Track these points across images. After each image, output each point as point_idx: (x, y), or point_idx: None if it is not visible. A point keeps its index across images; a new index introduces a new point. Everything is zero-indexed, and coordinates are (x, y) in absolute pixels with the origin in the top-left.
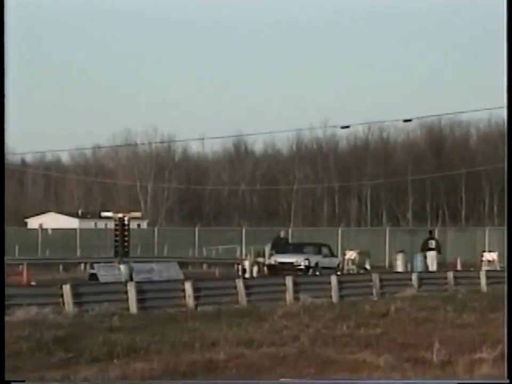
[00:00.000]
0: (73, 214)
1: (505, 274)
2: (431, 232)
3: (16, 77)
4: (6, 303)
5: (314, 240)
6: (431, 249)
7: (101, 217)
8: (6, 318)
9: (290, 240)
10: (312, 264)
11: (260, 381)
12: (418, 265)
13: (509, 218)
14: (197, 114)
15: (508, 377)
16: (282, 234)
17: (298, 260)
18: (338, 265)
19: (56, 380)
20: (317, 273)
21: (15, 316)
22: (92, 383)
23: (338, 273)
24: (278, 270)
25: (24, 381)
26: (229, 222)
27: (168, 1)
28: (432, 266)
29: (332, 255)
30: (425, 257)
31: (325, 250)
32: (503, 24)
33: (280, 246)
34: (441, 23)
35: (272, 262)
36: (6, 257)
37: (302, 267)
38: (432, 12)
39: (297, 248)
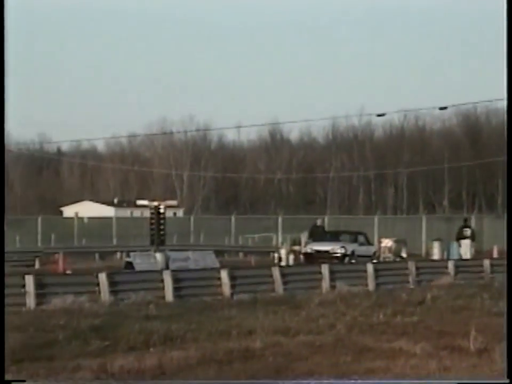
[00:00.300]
0: (109, 203)
1: (505, 275)
2: (466, 220)
3: (53, 66)
4: (42, 291)
5: (350, 228)
6: (466, 237)
7: (136, 206)
8: (43, 307)
9: (326, 228)
10: (349, 252)
11: (259, 380)
12: (455, 253)
13: (508, 219)
14: (233, 103)
15: (508, 377)
16: (319, 222)
17: (335, 248)
18: (375, 253)
19: (92, 369)
20: (353, 261)
21: (52, 304)
22: (92, 383)
23: (374, 261)
24: (314, 258)
25: (24, 381)
26: (265, 210)
27: None
28: (466, 254)
29: (368, 243)
30: (459, 245)
31: (361, 238)
32: None
33: (317, 234)
34: (472, 12)
35: (308, 250)
36: (42, 246)
37: (338, 255)
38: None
39: (334, 236)
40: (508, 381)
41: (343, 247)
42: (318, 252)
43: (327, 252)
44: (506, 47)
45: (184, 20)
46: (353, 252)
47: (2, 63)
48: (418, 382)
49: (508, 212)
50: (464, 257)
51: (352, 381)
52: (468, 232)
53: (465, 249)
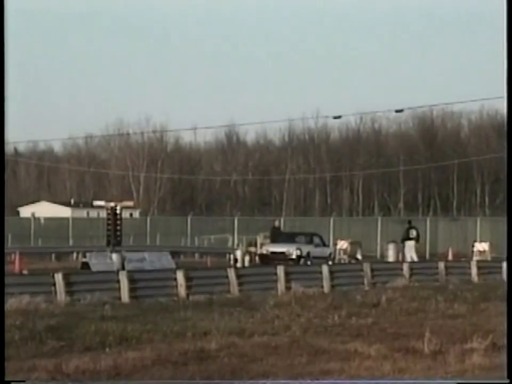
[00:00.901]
0: (65, 203)
1: (505, 275)
2: (410, 221)
3: (9, 66)
4: None
5: (306, 230)
6: (411, 239)
7: (93, 207)
8: None
9: (282, 230)
10: (304, 254)
11: (259, 381)
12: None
13: (508, 217)
14: (190, 105)
15: (508, 377)
16: (277, 223)
17: (290, 249)
18: (330, 255)
19: (48, 370)
20: (308, 262)
21: (8, 304)
22: (93, 383)
23: (330, 263)
24: (269, 260)
25: (24, 381)
26: (221, 211)
27: None
28: (412, 256)
29: (324, 244)
30: (404, 246)
31: (316, 240)
32: (495, 15)
33: (276, 236)
34: (433, 14)
35: (264, 252)
36: None
37: (294, 257)
38: (424, 2)
39: (289, 238)
40: (507, 381)
41: (298, 248)
42: (274, 253)
43: (282, 253)
44: (506, 47)
45: (139, 24)
46: (308, 254)
47: (2, 63)
48: (419, 382)
49: (508, 211)
50: (408, 259)
51: (353, 381)
52: (413, 233)
53: (410, 250)
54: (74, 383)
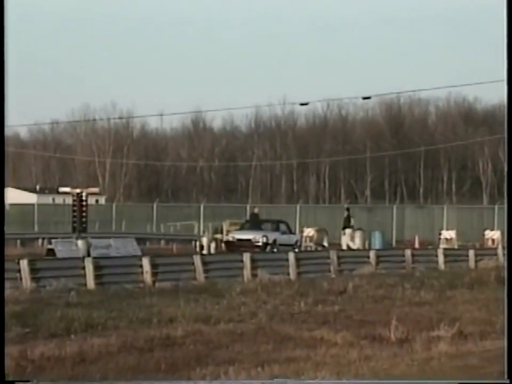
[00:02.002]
0: (31, 189)
1: (505, 275)
2: (348, 209)
3: None
4: None
5: (272, 217)
6: (351, 226)
7: (59, 193)
8: None
9: (247, 218)
10: (270, 241)
11: (259, 381)
12: (377, 243)
13: (508, 216)
14: (156, 91)
15: (508, 377)
16: (256, 210)
17: (256, 236)
18: (296, 242)
19: (13, 356)
20: (275, 250)
21: None
22: (94, 383)
23: (296, 250)
24: (235, 247)
25: (24, 381)
26: (187, 198)
27: None
28: (349, 243)
29: (290, 232)
30: (344, 234)
31: (282, 227)
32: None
33: (254, 223)
34: (403, 1)
35: (230, 239)
36: None
37: (260, 244)
38: None
39: (255, 225)
40: (508, 381)
41: (264, 236)
42: (240, 240)
43: (248, 240)
44: (506, 47)
45: (106, 9)
46: (274, 241)
47: (2, 63)
48: (419, 382)
49: (508, 209)
50: (344, 247)
51: (353, 381)
52: (352, 221)
53: (348, 238)
54: (74, 383)
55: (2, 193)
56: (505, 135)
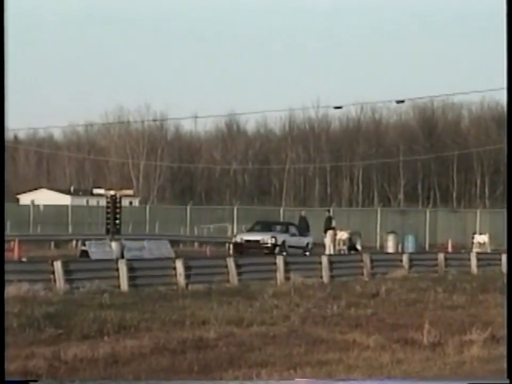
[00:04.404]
0: (65, 191)
1: (505, 275)
2: (329, 211)
3: (11, 54)
4: None
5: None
6: (331, 228)
7: (92, 194)
8: None
9: (282, 220)
10: (279, 243)
11: (259, 381)
12: (409, 246)
13: (508, 218)
14: (190, 93)
15: (508, 377)
16: (303, 213)
17: (265, 238)
18: (307, 244)
19: (46, 357)
20: (284, 253)
21: (6, 292)
22: (94, 382)
23: (307, 253)
24: (244, 248)
25: (26, 381)
26: (220, 200)
27: None
28: (330, 246)
29: (300, 234)
30: (325, 236)
31: (292, 229)
32: (497, 8)
33: (303, 225)
34: (435, 5)
35: (238, 240)
36: None
37: (269, 245)
38: None
39: (264, 227)
40: (508, 381)
41: (273, 237)
42: (248, 241)
43: (257, 241)
44: (506, 47)
45: (139, 10)
46: (284, 243)
47: (2, 63)
48: (419, 382)
49: (508, 210)
50: (328, 247)
51: (352, 381)
52: (333, 223)
53: (330, 239)
54: (74, 383)
55: (2, 193)
56: (505, 136)
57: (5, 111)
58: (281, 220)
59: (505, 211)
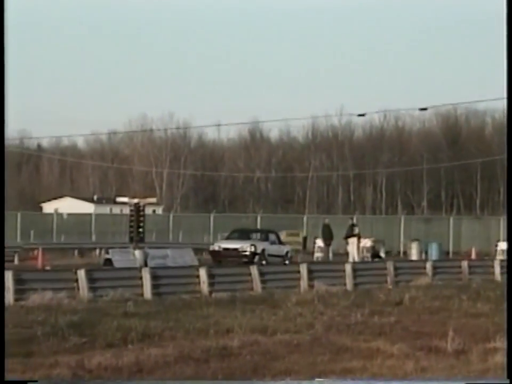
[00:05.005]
0: (88, 199)
1: (506, 275)
2: (352, 218)
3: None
4: (21, 287)
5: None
6: (354, 235)
7: (116, 203)
8: (22, 303)
9: (305, 227)
10: (258, 251)
11: (259, 381)
12: (433, 254)
13: (508, 219)
14: (213, 101)
15: (508, 377)
16: (327, 221)
17: (244, 245)
18: (287, 253)
19: (70, 366)
20: (263, 262)
21: (30, 300)
22: (95, 382)
23: (287, 262)
24: (221, 256)
25: (25, 382)
26: (243, 208)
27: None
28: (354, 253)
29: (280, 242)
30: (347, 244)
31: (272, 237)
32: None
33: (326, 233)
34: (456, 12)
35: (216, 248)
36: (22, 242)
37: (248, 253)
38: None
39: (243, 234)
40: (508, 381)
41: (252, 245)
42: (226, 249)
43: (235, 249)
44: (506, 47)
45: (163, 19)
46: (263, 251)
47: (2, 62)
48: (419, 382)
49: (508, 212)
50: (351, 255)
51: (353, 381)
52: (356, 230)
53: (353, 247)
54: (74, 383)
55: (2, 194)
56: (505, 137)
57: (5, 111)
58: (303, 227)
59: (505, 216)
